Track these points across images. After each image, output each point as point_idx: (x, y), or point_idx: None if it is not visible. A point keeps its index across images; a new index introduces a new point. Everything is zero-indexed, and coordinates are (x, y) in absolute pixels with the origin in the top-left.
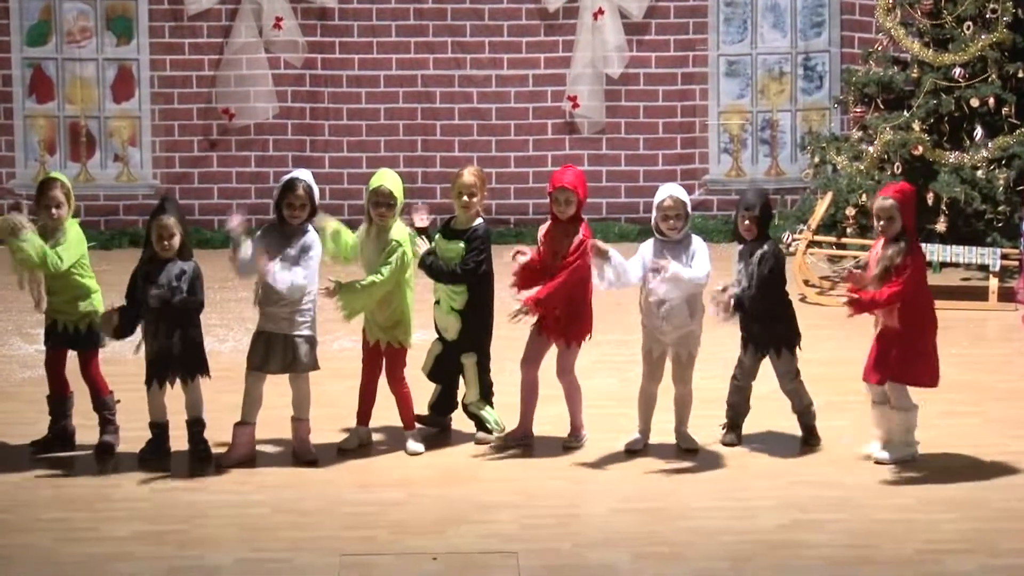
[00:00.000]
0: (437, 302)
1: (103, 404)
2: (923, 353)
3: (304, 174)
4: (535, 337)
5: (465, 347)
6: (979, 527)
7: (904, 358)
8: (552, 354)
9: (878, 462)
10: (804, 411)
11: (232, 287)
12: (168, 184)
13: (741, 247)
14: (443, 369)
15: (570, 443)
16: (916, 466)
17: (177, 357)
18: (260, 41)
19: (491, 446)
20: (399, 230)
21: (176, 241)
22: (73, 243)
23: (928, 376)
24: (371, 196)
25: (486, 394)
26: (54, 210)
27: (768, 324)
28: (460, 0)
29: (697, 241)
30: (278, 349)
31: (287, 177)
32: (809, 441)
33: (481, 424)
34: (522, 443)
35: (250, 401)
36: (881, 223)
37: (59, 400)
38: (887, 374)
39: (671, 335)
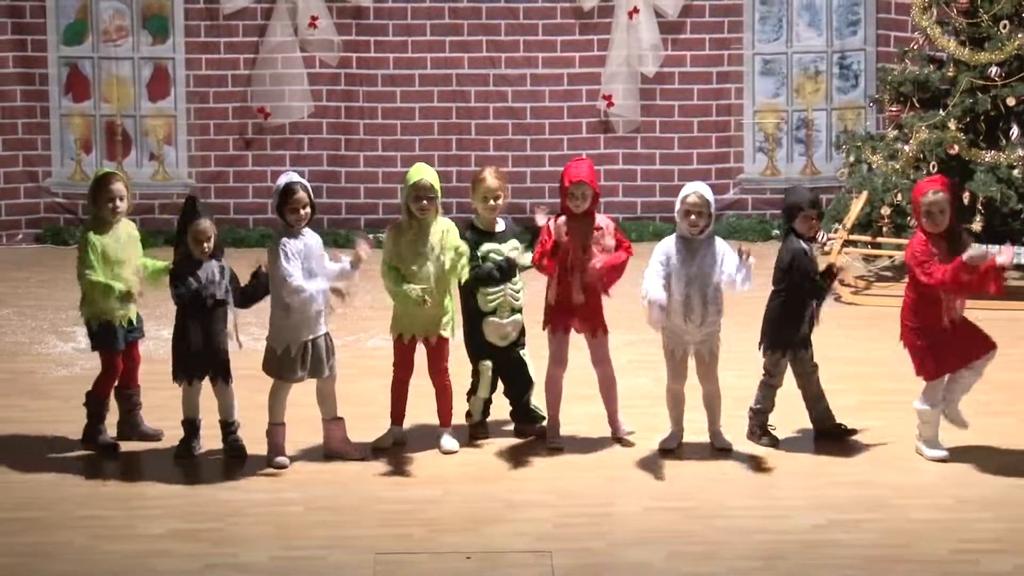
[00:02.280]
0: (493, 312)
1: (131, 395)
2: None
3: (296, 176)
4: (558, 337)
5: (519, 343)
6: (1014, 527)
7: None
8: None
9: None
10: (826, 417)
11: None
12: (203, 183)
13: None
14: (505, 379)
15: (622, 437)
16: (951, 465)
17: (210, 358)
18: (295, 40)
19: (523, 442)
20: (445, 221)
21: (213, 243)
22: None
23: None
24: (411, 191)
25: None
26: (118, 202)
27: (794, 323)
28: None
29: (721, 243)
30: (322, 349)
31: (285, 183)
32: (845, 434)
33: (535, 421)
34: (555, 442)
35: (280, 404)
36: (937, 217)
37: (106, 407)
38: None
39: (694, 334)
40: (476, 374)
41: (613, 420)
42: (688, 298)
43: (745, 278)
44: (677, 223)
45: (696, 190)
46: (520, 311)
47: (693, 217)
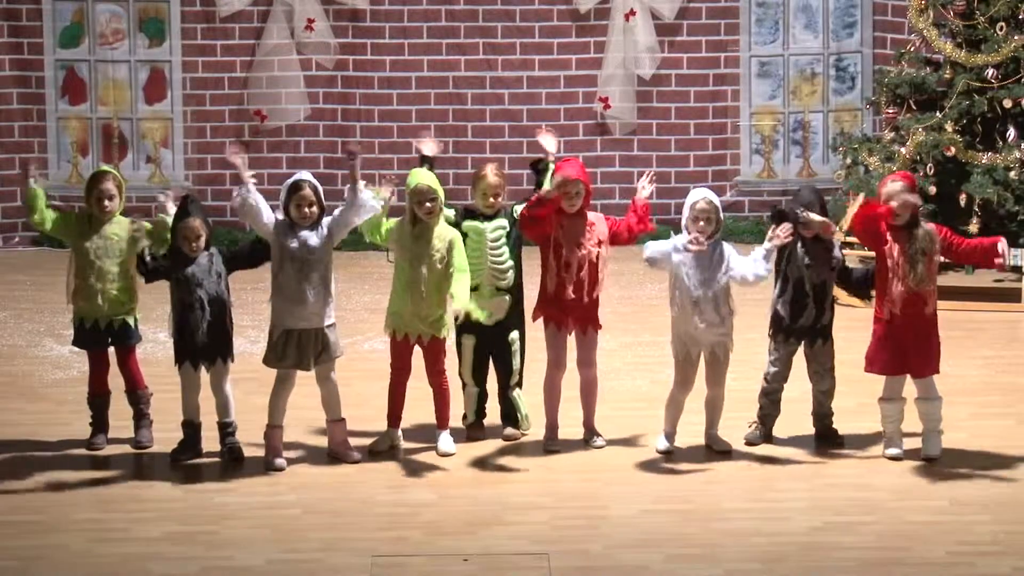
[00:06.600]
0: (475, 288)
1: (139, 398)
2: (937, 341)
3: (307, 174)
4: (558, 339)
5: (513, 324)
6: (1011, 529)
7: (934, 350)
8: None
9: (927, 459)
10: (827, 414)
11: (263, 288)
12: (200, 186)
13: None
14: (482, 362)
15: (595, 442)
16: (948, 467)
17: (208, 342)
18: (292, 43)
19: (521, 444)
20: (451, 231)
21: (203, 242)
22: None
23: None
24: (412, 197)
25: (519, 378)
26: (106, 202)
27: (820, 315)
28: (491, 1)
29: (728, 246)
30: (311, 343)
31: (292, 180)
32: (835, 440)
33: (511, 418)
34: (553, 445)
35: (280, 406)
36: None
37: (104, 401)
38: (921, 369)
39: (707, 336)
40: (458, 348)
41: (589, 423)
42: (700, 301)
43: (755, 269)
44: (685, 230)
45: (705, 196)
46: (508, 292)
47: (703, 223)
